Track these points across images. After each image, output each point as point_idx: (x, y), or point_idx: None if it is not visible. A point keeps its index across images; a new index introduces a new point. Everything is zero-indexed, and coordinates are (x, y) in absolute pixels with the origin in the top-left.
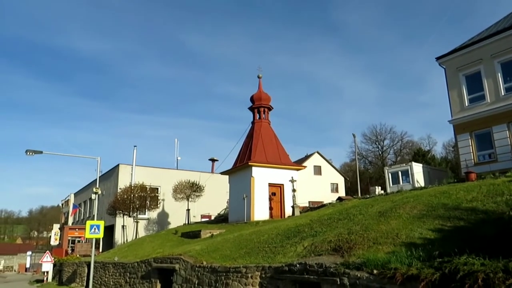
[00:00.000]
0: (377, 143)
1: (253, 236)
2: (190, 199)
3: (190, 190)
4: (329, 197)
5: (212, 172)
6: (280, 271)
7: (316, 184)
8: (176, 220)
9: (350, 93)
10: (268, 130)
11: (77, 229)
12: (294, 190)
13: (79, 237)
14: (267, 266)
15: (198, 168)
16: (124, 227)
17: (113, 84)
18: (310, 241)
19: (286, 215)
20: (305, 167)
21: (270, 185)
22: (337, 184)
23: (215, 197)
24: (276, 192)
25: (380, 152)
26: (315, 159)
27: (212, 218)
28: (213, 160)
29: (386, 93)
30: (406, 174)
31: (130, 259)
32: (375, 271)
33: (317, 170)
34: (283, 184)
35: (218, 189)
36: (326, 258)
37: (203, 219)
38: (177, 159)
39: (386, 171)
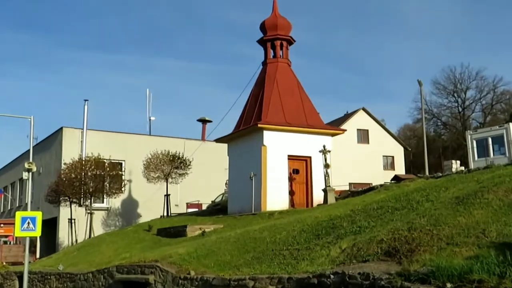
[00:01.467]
0: (455, 95)
1: (265, 233)
2: (170, 180)
3: (170, 166)
4: (381, 177)
5: (203, 139)
6: (305, 285)
7: (362, 157)
8: (150, 210)
9: (416, 18)
10: (288, 75)
11: (1, 225)
12: (327, 166)
13: (5, 236)
14: (286, 277)
15: (181, 133)
16: (73, 221)
17: (55, 10)
18: (350, 241)
19: (315, 203)
20: (344, 131)
21: (291, 158)
22: (392, 157)
23: (207, 176)
24: (299, 168)
25: (460, 109)
26: (360, 120)
27: (204, 207)
28: (204, 121)
29: (472, 18)
30: (500, 142)
31: (82, 268)
32: (448, 285)
33: (363, 136)
34: (310, 157)
35: (212, 164)
36: (374, 266)
37: (190, 209)
38: (150, 120)
39: (469, 137)
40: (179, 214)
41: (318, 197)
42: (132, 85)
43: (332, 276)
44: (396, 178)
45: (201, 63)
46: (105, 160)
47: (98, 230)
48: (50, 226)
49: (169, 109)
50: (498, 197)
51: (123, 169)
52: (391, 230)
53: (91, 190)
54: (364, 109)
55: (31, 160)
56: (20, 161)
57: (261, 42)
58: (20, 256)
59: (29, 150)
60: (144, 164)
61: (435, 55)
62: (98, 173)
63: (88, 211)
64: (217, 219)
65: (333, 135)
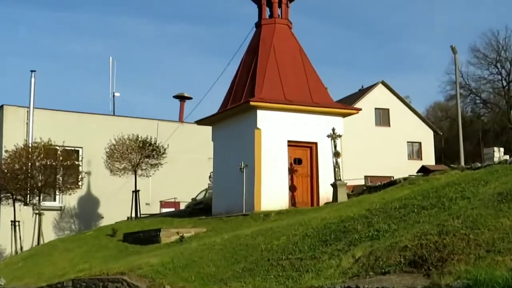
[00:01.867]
0: (498, 65)
1: (259, 239)
2: (140, 172)
3: (140, 155)
4: (405, 168)
5: (180, 120)
6: None
7: (381, 143)
8: (114, 210)
9: None
10: (288, 40)
11: None
12: (337, 155)
13: None
14: None
15: (154, 113)
16: (17, 223)
17: None
18: (366, 248)
19: (322, 201)
20: (358, 110)
21: (292, 144)
22: (419, 144)
23: (186, 168)
24: (302, 158)
25: (505, 83)
26: (379, 97)
27: (182, 207)
28: (182, 98)
29: None
30: None
31: (29, 283)
32: None
33: (383, 117)
34: (315, 144)
35: (192, 153)
36: (396, 279)
37: (165, 209)
38: (114, 96)
39: None
40: (151, 215)
41: (325, 193)
42: (91, 53)
43: None
44: (424, 170)
45: (178, 25)
46: (58, 147)
47: (49, 235)
48: None
49: (138, 82)
50: None
51: (80, 158)
52: (417, 234)
53: (39, 184)
54: (384, 83)
55: None
56: None
57: None
58: None
59: None
60: (106, 152)
61: (474, 16)
62: (48, 163)
63: (36, 211)
64: (198, 221)
65: (345, 115)
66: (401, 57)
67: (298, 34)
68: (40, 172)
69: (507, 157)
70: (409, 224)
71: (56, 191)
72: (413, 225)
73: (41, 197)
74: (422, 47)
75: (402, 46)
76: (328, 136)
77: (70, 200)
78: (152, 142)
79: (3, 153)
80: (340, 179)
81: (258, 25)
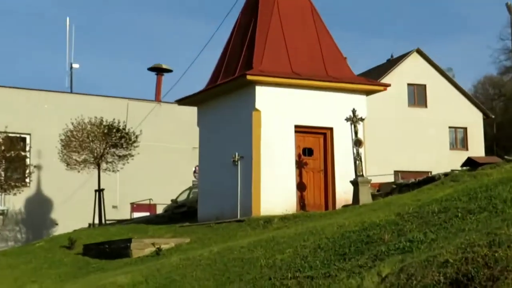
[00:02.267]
0: None
1: (257, 252)
2: (105, 166)
3: (105, 144)
4: (446, 160)
5: (157, 100)
6: None
7: (415, 129)
8: (72, 215)
9: None
10: None
11: None
12: (358, 143)
13: None
14: None
15: (123, 89)
16: None
17: None
18: (396, 264)
19: (339, 203)
20: (387, 86)
21: (301, 130)
22: (465, 129)
23: (165, 160)
24: (314, 147)
25: None
26: (413, 70)
27: (159, 211)
28: (160, 71)
29: None
30: None
31: None
32: None
33: (418, 95)
34: (331, 129)
35: (172, 140)
36: None
37: (138, 214)
38: (71, 69)
39: None
40: (120, 222)
41: (343, 193)
42: (42, 13)
43: None
44: (471, 163)
45: None
46: None
47: None
48: None
49: (102, 51)
50: None
51: (27, 148)
52: (462, 246)
53: None
54: (419, 52)
55: None
56: None
57: None
58: None
59: None
60: (62, 140)
61: None
62: None
63: None
64: (180, 229)
65: (369, 93)
66: (442, 18)
67: None
68: None
69: None
70: (451, 233)
71: None
72: (456, 234)
73: None
74: (468, 6)
75: (442, 4)
76: (347, 119)
77: (15, 201)
78: (121, 128)
79: None
80: (363, 175)
81: None
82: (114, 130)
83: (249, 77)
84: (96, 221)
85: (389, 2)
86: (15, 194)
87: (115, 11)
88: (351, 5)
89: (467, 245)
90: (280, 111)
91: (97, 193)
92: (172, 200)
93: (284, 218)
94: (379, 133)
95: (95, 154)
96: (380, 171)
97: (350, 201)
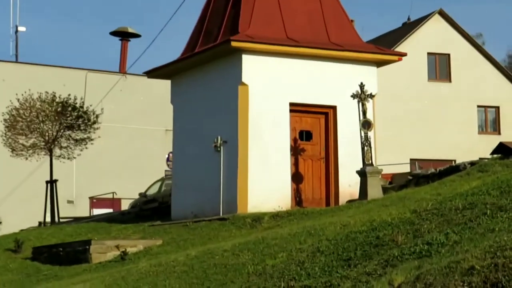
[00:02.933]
0: None
1: (244, 257)
2: (58, 152)
3: (58, 125)
4: (473, 146)
5: (122, 71)
6: None
7: (436, 107)
8: (18, 212)
9: None
10: None
11: None
12: (367, 125)
13: None
14: None
15: (80, 58)
16: None
17: None
18: (411, 271)
19: (343, 198)
20: (402, 55)
21: (297, 109)
22: (496, 109)
23: (131, 146)
24: (313, 130)
25: None
26: (434, 35)
27: (125, 207)
28: (125, 36)
29: None
30: None
31: None
32: None
33: (440, 66)
34: (333, 108)
35: (140, 121)
36: None
37: (98, 210)
38: (16, 33)
39: None
40: (76, 220)
41: (348, 186)
42: None
43: None
44: (503, 150)
45: None
46: None
47: None
48: None
49: (54, 10)
50: None
51: None
52: (491, 249)
53: None
54: (442, 14)
55: None
56: None
57: None
58: None
59: None
60: (5, 120)
61: None
62: None
63: None
64: (150, 228)
65: (380, 63)
66: None
67: None
68: None
69: None
70: (478, 234)
71: None
72: (484, 236)
73: None
74: None
75: None
76: (354, 96)
77: None
78: (78, 105)
79: None
80: (372, 164)
81: None
82: (70, 108)
83: (234, 44)
84: (48, 219)
85: None
86: None
87: None
88: None
89: (497, 248)
90: (272, 85)
91: (48, 185)
92: (140, 194)
93: (276, 216)
94: (393, 113)
95: (47, 138)
96: (393, 159)
97: (356, 196)
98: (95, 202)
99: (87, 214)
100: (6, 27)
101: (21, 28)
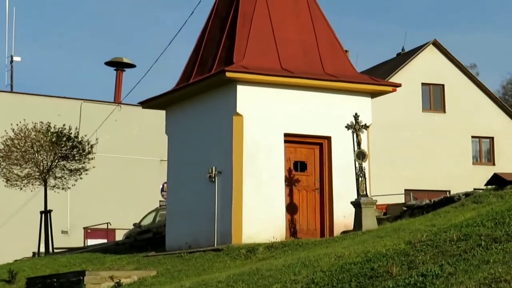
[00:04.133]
0: None
1: None
2: (53, 182)
3: (53, 155)
4: (468, 177)
5: (117, 101)
6: None
7: (431, 137)
8: (12, 242)
9: None
10: None
11: None
12: (362, 156)
13: None
14: None
15: (75, 89)
16: None
17: None
18: None
19: (338, 229)
20: (396, 86)
21: (292, 140)
22: (491, 139)
23: (126, 176)
24: (308, 161)
25: None
26: (428, 66)
27: (119, 237)
28: (120, 66)
29: None
30: None
31: None
32: None
33: (434, 96)
34: (328, 138)
35: (135, 151)
36: None
37: (92, 241)
38: (12, 63)
39: None
40: (70, 250)
41: (343, 217)
42: None
43: None
44: (497, 181)
45: None
46: None
47: None
48: None
49: (50, 40)
50: None
51: None
52: (486, 281)
53: None
54: (436, 45)
55: None
56: None
57: None
58: None
59: None
60: (0, 150)
61: None
62: None
63: None
64: (145, 259)
65: (375, 94)
66: (466, 3)
67: None
68: None
69: None
70: (472, 266)
71: None
72: (479, 267)
73: None
74: None
75: None
76: (348, 127)
77: None
78: (72, 135)
79: None
80: (367, 195)
81: None
82: (64, 139)
83: (228, 74)
84: (42, 249)
85: None
86: None
87: None
88: None
89: (491, 280)
90: (267, 116)
91: (43, 215)
92: (134, 224)
93: (270, 247)
94: (387, 144)
95: (41, 168)
96: (387, 190)
97: (350, 226)
98: (89, 232)
99: (81, 245)
100: (2, 57)
101: (16, 58)
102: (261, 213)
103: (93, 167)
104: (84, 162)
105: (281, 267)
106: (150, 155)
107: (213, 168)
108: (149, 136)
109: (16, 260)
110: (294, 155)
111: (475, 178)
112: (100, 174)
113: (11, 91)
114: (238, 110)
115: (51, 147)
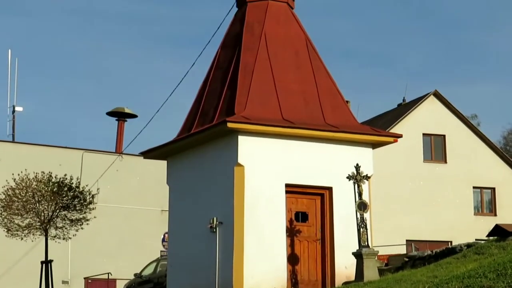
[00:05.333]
0: None
1: None
2: (54, 232)
3: (54, 205)
4: (469, 227)
5: (118, 151)
6: None
7: (432, 188)
8: None
9: None
10: (289, 27)
11: None
12: (363, 207)
13: None
14: None
15: (76, 138)
16: None
17: None
18: None
19: (340, 280)
20: (397, 137)
21: (293, 190)
22: (492, 190)
23: (127, 226)
24: (309, 211)
25: None
26: (429, 116)
27: None
28: (121, 116)
29: None
30: None
31: None
32: None
33: (435, 147)
34: (329, 189)
35: (136, 201)
36: None
37: None
38: (14, 113)
39: None
40: None
41: (344, 268)
42: None
43: None
44: (499, 232)
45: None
46: None
47: None
48: None
49: (52, 90)
50: None
51: None
52: None
53: None
54: (437, 95)
55: None
56: None
57: None
58: None
59: None
60: (1, 200)
61: None
62: None
63: None
64: None
65: (376, 145)
66: (465, 54)
67: (305, 16)
68: None
69: None
70: None
71: None
72: None
73: None
74: (496, 40)
75: (466, 37)
76: (350, 177)
77: None
78: (74, 185)
79: None
80: (368, 245)
81: (241, 2)
82: (66, 189)
83: (230, 125)
84: None
85: (401, 33)
86: None
87: (67, 41)
88: (353, 36)
89: None
90: (268, 166)
91: (44, 265)
92: (135, 275)
93: None
94: (388, 194)
95: (42, 218)
96: (389, 241)
97: (352, 277)
98: (90, 282)
99: None
100: (4, 107)
101: (18, 108)
102: (262, 263)
103: (94, 217)
104: (85, 212)
105: None
106: (151, 205)
107: (214, 218)
108: (150, 186)
109: None
110: (296, 205)
111: (477, 228)
112: (101, 224)
113: (13, 141)
114: (240, 160)
115: (52, 197)
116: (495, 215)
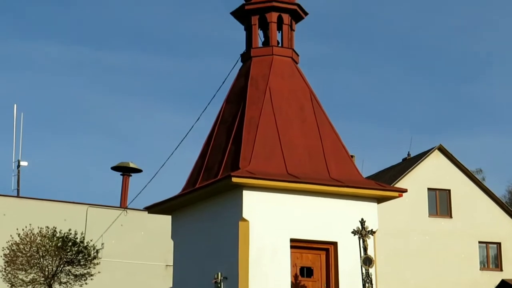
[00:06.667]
0: None
1: None
2: (58, 287)
3: (58, 260)
4: (475, 282)
5: (122, 206)
6: None
7: (437, 243)
8: None
9: None
10: (293, 81)
11: None
12: (368, 262)
13: None
14: None
15: (81, 193)
16: None
17: None
18: None
19: None
20: (402, 192)
21: (298, 245)
22: (498, 245)
23: (131, 281)
24: (314, 266)
25: None
26: (434, 171)
27: None
28: (126, 171)
29: None
30: None
31: None
32: None
33: (440, 202)
34: (334, 244)
35: (140, 256)
36: None
37: None
38: (19, 167)
39: None
40: None
41: None
42: None
43: None
44: (505, 287)
45: (116, 53)
46: None
47: None
48: None
49: (57, 145)
50: None
51: None
52: None
53: None
54: (442, 150)
55: None
56: None
57: (240, 14)
58: None
59: None
60: (5, 255)
61: None
62: None
63: None
64: None
65: (381, 200)
66: (470, 108)
67: (311, 70)
68: None
69: None
70: None
71: None
72: None
73: None
74: (502, 92)
75: (471, 91)
76: (355, 232)
77: None
78: (78, 240)
79: None
80: None
81: (246, 57)
82: (70, 243)
83: (234, 180)
84: None
85: (405, 87)
86: None
87: (72, 95)
88: (357, 90)
89: None
90: (273, 221)
91: None
92: None
93: None
94: (394, 249)
95: (46, 273)
96: None
97: None
98: None
99: None
100: (9, 162)
101: (23, 163)
102: None
103: (99, 272)
104: (89, 267)
105: None
106: (156, 260)
107: (219, 273)
108: (155, 241)
109: None
110: (300, 260)
111: (483, 284)
112: (106, 279)
113: (18, 196)
114: (244, 215)
115: (56, 252)
116: (501, 270)
